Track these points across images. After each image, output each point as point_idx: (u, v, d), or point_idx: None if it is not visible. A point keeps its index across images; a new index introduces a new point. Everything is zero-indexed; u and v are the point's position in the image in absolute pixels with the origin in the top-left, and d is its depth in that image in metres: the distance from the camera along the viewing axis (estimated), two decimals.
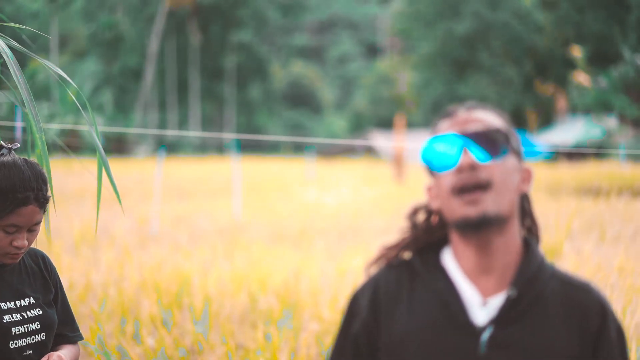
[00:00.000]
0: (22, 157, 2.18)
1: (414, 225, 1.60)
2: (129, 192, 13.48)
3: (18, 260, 2.17)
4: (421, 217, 1.63)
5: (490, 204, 1.45)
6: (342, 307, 4.95)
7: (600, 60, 24.01)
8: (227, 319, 4.72)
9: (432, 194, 1.58)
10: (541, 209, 11.28)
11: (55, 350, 2.23)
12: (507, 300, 1.49)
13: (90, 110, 2.51)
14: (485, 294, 1.51)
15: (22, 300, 2.17)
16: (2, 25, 2.45)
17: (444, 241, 1.61)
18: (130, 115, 38.68)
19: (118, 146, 32.63)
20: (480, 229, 1.46)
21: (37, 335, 2.17)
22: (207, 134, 7.08)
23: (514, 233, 1.52)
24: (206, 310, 4.75)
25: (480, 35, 36.43)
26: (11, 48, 2.31)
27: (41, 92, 29.04)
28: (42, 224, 2.27)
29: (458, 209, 1.47)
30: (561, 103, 36.39)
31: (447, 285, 1.52)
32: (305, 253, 6.99)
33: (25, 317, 2.16)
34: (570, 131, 30.71)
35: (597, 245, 7.40)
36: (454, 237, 1.54)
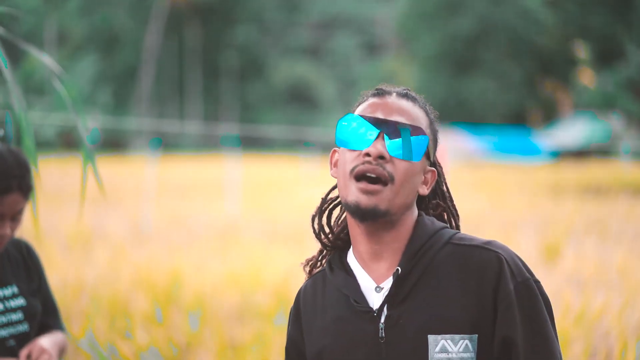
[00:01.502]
0: (5, 145, 2.14)
1: (320, 232, 1.63)
2: (125, 190, 13.46)
3: (1, 249, 2.13)
4: (324, 221, 1.65)
5: (384, 199, 1.47)
6: None
7: (604, 58, 23.92)
8: (220, 316, 4.69)
9: (333, 160, 1.59)
10: (543, 208, 11.26)
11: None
12: (394, 279, 1.49)
13: (74, 100, 2.46)
14: (380, 279, 1.53)
15: (4, 290, 2.14)
16: None
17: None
18: (128, 112, 38.70)
19: (115, 143, 32.63)
20: (366, 220, 1.48)
21: (19, 326, 2.14)
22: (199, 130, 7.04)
23: (406, 226, 1.53)
24: (199, 307, 4.71)
25: (484, 35, 36.37)
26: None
27: (38, 89, 29.07)
28: (32, 218, 2.23)
29: (353, 192, 1.48)
30: (565, 101, 36.31)
31: (346, 278, 1.55)
32: (301, 252, 6.96)
33: (8, 307, 2.12)
34: (573, 130, 30.63)
35: (598, 244, 7.36)
36: (349, 222, 1.56)
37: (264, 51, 45.77)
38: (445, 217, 1.66)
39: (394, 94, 1.56)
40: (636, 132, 24.07)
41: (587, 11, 29.38)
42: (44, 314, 2.23)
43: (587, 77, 24.71)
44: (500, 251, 1.50)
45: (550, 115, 37.27)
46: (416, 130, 1.50)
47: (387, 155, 1.48)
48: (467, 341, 1.47)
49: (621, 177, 18.67)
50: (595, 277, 5.87)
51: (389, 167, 1.48)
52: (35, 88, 29.66)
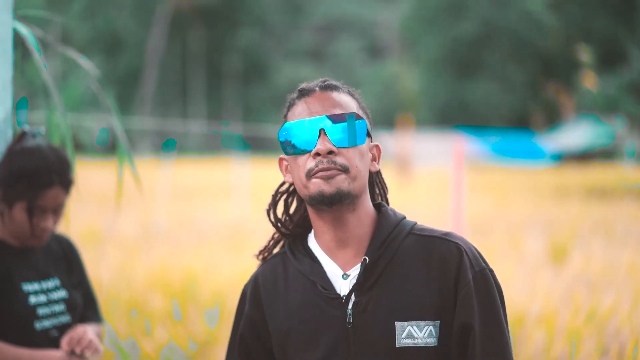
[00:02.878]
0: (46, 142, 2.23)
1: (276, 221, 1.70)
2: (135, 191, 13.51)
3: (43, 242, 2.21)
4: (279, 211, 1.73)
5: (344, 182, 1.53)
6: None
7: (607, 61, 23.96)
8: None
9: (284, 166, 1.66)
10: (548, 211, 11.29)
11: None
12: (362, 267, 1.55)
13: (112, 100, 2.55)
14: (346, 267, 1.59)
15: (47, 282, 2.21)
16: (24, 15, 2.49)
17: (310, 227, 1.69)
18: (132, 115, 38.74)
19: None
20: (332, 205, 1.54)
21: (62, 317, 2.21)
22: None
23: (365, 207, 1.60)
24: (217, 304, 4.78)
25: (487, 38, 36.40)
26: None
27: (45, 89, 29.08)
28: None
29: (314, 185, 1.54)
30: (568, 104, 36.33)
31: (312, 265, 1.60)
32: None
33: (51, 299, 2.20)
34: (576, 133, 30.66)
35: (605, 246, 7.42)
36: (312, 215, 1.62)
37: (267, 54, 45.81)
38: (377, 190, 1.73)
39: (317, 89, 1.63)
40: (639, 135, 24.08)
41: (590, 14, 29.40)
42: (84, 307, 2.31)
43: (590, 80, 24.75)
44: (459, 242, 1.59)
45: (553, 118, 37.29)
46: (352, 116, 1.57)
47: (335, 149, 1.54)
48: (431, 327, 1.54)
49: (625, 179, 18.70)
50: (603, 278, 5.93)
51: (339, 159, 1.55)
52: (40, 89, 29.71)
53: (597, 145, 28.45)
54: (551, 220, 9.95)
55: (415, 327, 1.53)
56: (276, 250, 1.77)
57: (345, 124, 1.56)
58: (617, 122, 23.30)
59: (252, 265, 6.27)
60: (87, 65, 2.49)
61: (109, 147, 27.68)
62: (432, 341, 1.53)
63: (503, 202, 12.79)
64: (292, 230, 1.70)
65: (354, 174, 1.55)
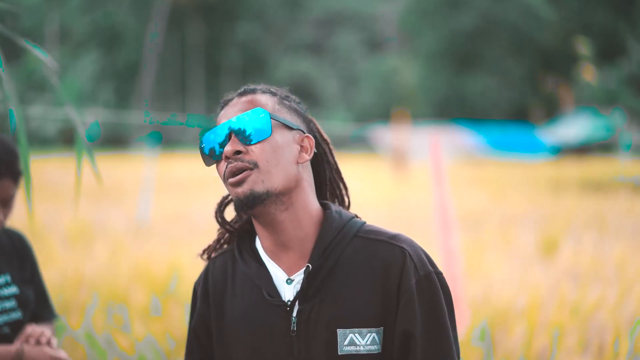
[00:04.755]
0: None
1: (223, 221, 1.68)
2: (125, 186, 13.49)
3: None
4: (227, 209, 1.71)
5: (256, 182, 1.50)
6: None
7: (606, 54, 23.89)
8: None
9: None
10: (543, 204, 11.27)
11: None
12: (305, 274, 1.53)
13: (69, 93, 2.51)
14: (291, 270, 1.56)
15: None
16: None
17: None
18: (130, 109, 38.71)
19: (117, 140, 32.63)
20: (252, 207, 1.51)
21: (13, 313, 2.16)
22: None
23: (304, 207, 1.56)
24: None
25: (486, 31, 36.31)
26: None
27: (40, 85, 29.08)
28: (28, 212, 2.26)
29: (232, 193, 1.53)
30: (567, 98, 36.26)
31: (257, 268, 1.57)
32: None
33: (1, 295, 2.15)
34: (575, 126, 30.60)
35: (597, 239, 7.38)
36: (252, 220, 1.59)
37: (266, 48, 45.76)
38: (338, 192, 1.70)
39: (235, 97, 1.61)
40: (638, 128, 24.05)
41: (589, 7, 29.30)
42: (36, 304, 2.26)
43: (589, 74, 24.69)
44: (404, 245, 1.55)
45: (552, 112, 37.22)
46: (256, 110, 1.54)
47: (241, 148, 1.52)
48: (374, 334, 1.51)
49: (620, 173, 18.66)
50: (592, 271, 5.89)
51: (247, 157, 1.52)
52: (38, 84, 29.68)
53: (596, 138, 28.39)
54: (545, 214, 9.91)
55: (357, 335, 1.51)
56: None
57: (250, 120, 1.53)
58: (616, 115, 23.26)
59: None
60: (43, 56, 2.43)
61: (100, 141, 27.63)
62: (375, 348, 1.51)
63: (498, 195, 12.75)
64: (240, 227, 1.67)
65: (266, 169, 1.51)
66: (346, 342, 1.51)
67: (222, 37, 44.99)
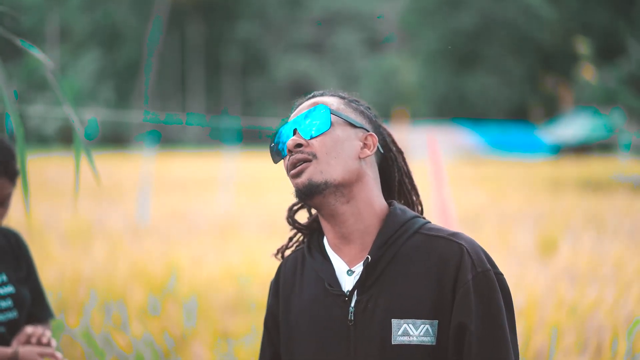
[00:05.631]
0: None
1: (293, 221, 1.74)
2: (124, 185, 13.49)
3: None
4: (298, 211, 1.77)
5: (315, 172, 1.56)
6: None
7: (606, 54, 23.88)
8: (215, 308, 4.72)
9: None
10: (542, 203, 11.26)
11: None
12: (364, 265, 1.57)
13: (68, 92, 2.50)
14: (352, 262, 1.61)
15: None
16: None
17: None
18: (130, 108, 38.69)
19: (117, 139, 32.62)
20: (311, 197, 1.57)
21: (9, 313, 2.16)
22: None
23: (365, 200, 1.61)
24: (194, 299, 4.74)
25: (485, 30, 36.30)
26: None
27: (40, 84, 29.07)
28: (26, 208, 2.26)
29: (293, 184, 1.59)
30: (566, 97, 36.26)
31: (322, 261, 1.63)
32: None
33: None
34: (575, 125, 30.60)
35: (595, 239, 7.38)
36: (318, 216, 1.66)
37: (266, 47, 45.73)
38: (408, 197, 1.75)
39: (304, 101, 1.70)
40: (637, 128, 24.05)
41: (589, 7, 29.30)
42: (32, 303, 2.26)
43: (588, 73, 24.67)
44: (463, 242, 1.57)
45: (551, 111, 37.22)
46: (318, 107, 1.61)
47: (302, 141, 1.59)
48: (427, 326, 1.54)
49: (619, 172, 18.66)
50: (590, 271, 5.89)
51: (307, 149, 1.58)
52: (38, 83, 29.68)
53: (595, 138, 28.40)
54: (543, 213, 9.91)
55: (411, 325, 1.54)
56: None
57: (311, 116, 1.60)
58: (615, 115, 23.25)
59: (234, 260, 6.24)
60: (40, 55, 2.43)
61: (98, 140, 27.60)
62: (428, 340, 1.54)
63: (497, 194, 12.75)
64: (309, 225, 1.74)
65: (325, 160, 1.57)
66: (400, 332, 1.54)
67: (222, 36, 44.96)
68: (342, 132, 1.60)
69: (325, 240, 1.66)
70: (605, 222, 8.86)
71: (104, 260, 6.05)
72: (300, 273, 1.68)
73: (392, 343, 1.54)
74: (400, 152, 1.75)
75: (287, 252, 1.79)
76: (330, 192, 1.57)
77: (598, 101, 23.43)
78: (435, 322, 1.54)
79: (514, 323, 1.56)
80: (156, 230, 8.12)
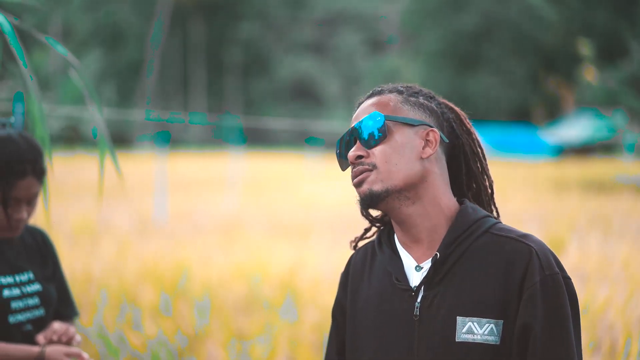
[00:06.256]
0: (16, 130, 2.18)
1: (367, 214, 1.76)
2: (130, 184, 13.49)
3: (18, 233, 2.17)
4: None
5: (375, 181, 1.59)
6: None
7: (608, 55, 23.87)
8: (227, 307, 4.72)
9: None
10: (546, 204, 11.26)
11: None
12: (432, 262, 1.59)
13: (92, 91, 2.50)
14: (420, 259, 1.63)
15: (20, 275, 2.17)
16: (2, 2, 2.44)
17: None
18: (132, 108, 38.69)
19: (119, 139, 32.61)
20: (373, 205, 1.61)
21: (36, 311, 2.17)
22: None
23: (432, 199, 1.62)
24: (207, 298, 4.75)
25: (487, 31, 36.30)
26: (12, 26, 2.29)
27: (43, 84, 29.08)
28: (43, 208, 2.27)
29: (357, 193, 1.62)
30: (568, 98, 36.26)
31: (391, 255, 1.66)
32: (305, 245, 6.98)
33: (24, 292, 2.16)
34: (577, 126, 30.61)
35: (602, 239, 7.39)
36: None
37: (268, 47, 45.73)
38: (480, 181, 1.73)
39: (363, 101, 1.70)
40: (639, 129, 24.04)
41: (591, 8, 29.30)
42: (58, 301, 2.27)
43: (590, 74, 24.66)
44: (532, 244, 1.57)
45: (553, 112, 37.23)
46: (370, 117, 1.62)
47: (363, 152, 1.61)
48: (492, 325, 1.54)
49: (622, 173, 18.66)
50: (599, 271, 5.90)
51: (368, 160, 1.61)
52: (41, 83, 29.67)
53: (597, 139, 28.40)
54: (548, 214, 9.92)
55: (476, 324, 1.55)
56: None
57: (368, 125, 1.62)
58: (617, 116, 23.24)
59: (243, 260, 6.25)
60: (69, 55, 2.44)
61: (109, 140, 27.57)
62: (492, 339, 1.54)
63: (501, 195, 12.75)
64: (381, 218, 1.77)
65: (386, 169, 1.59)
66: (464, 330, 1.55)
67: (224, 37, 44.97)
68: (400, 136, 1.61)
69: (395, 236, 1.69)
70: (611, 223, 8.87)
71: (113, 260, 6.06)
72: (369, 266, 1.70)
73: (456, 340, 1.55)
74: (469, 134, 1.72)
75: (361, 243, 1.80)
76: (393, 197, 1.59)
77: (600, 102, 23.43)
78: (500, 322, 1.54)
79: (579, 328, 1.57)
80: (164, 229, 8.13)
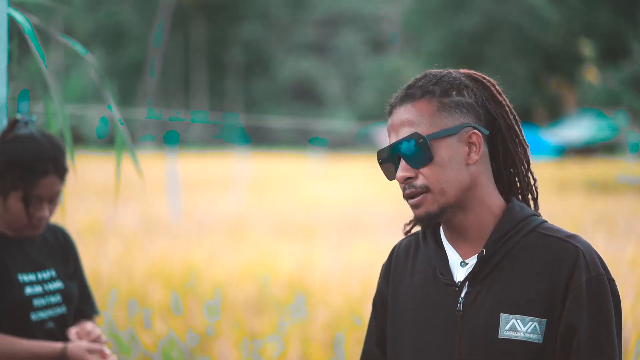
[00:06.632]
0: (38, 130, 2.19)
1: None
2: (135, 184, 13.50)
3: (40, 231, 2.18)
4: None
5: (431, 203, 1.59)
6: (351, 295, 4.96)
7: (609, 55, 23.88)
8: (237, 306, 4.73)
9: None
10: (550, 205, 11.28)
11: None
12: (478, 258, 1.59)
13: (109, 88, 2.51)
14: (466, 255, 1.63)
15: (43, 273, 2.18)
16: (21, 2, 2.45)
17: None
18: (134, 108, 38.70)
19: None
20: (429, 226, 1.64)
21: (58, 308, 2.18)
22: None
23: (480, 201, 1.62)
24: (218, 295, 4.76)
25: (489, 32, 36.31)
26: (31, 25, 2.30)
27: (43, 83, 29.04)
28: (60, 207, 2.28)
29: (412, 210, 1.62)
30: (570, 99, 36.26)
31: (436, 250, 1.66)
32: (311, 245, 6.99)
33: (46, 289, 2.17)
34: (579, 127, 30.62)
35: (607, 240, 7.39)
36: None
37: (270, 47, 45.73)
38: (519, 168, 1.70)
39: (397, 105, 1.66)
40: None
41: (592, 8, 29.29)
42: (79, 299, 2.28)
43: (592, 75, 24.66)
44: (579, 245, 1.57)
45: (555, 113, 37.24)
46: (412, 138, 1.59)
47: (411, 174, 1.59)
48: (535, 323, 1.55)
49: (624, 173, 18.67)
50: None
51: (418, 181, 1.59)
52: (41, 82, 29.64)
53: (599, 139, 28.41)
54: (552, 215, 9.92)
55: (519, 321, 1.55)
56: None
57: (410, 147, 1.59)
58: (619, 116, 23.24)
59: (251, 260, 6.25)
60: (88, 55, 2.45)
61: (109, 140, 27.62)
62: (535, 337, 1.54)
63: None
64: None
65: (438, 189, 1.59)
66: (507, 327, 1.55)
67: (225, 37, 44.97)
68: (445, 150, 1.59)
69: (441, 230, 1.68)
70: (616, 224, 8.88)
71: (121, 260, 6.06)
72: (412, 258, 1.70)
73: (499, 337, 1.55)
74: (502, 106, 1.67)
75: (413, 230, 1.79)
76: (448, 212, 1.59)
77: (601, 103, 23.44)
78: (544, 320, 1.54)
79: (620, 330, 1.58)
80: (170, 230, 8.14)
